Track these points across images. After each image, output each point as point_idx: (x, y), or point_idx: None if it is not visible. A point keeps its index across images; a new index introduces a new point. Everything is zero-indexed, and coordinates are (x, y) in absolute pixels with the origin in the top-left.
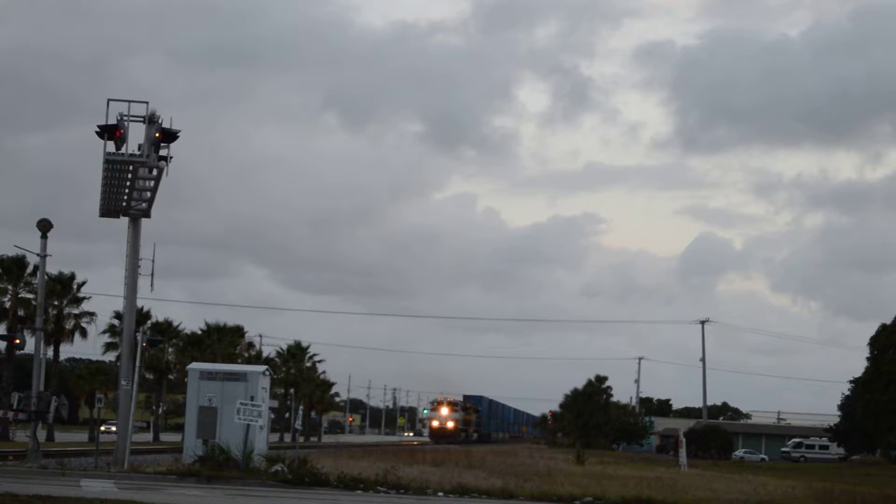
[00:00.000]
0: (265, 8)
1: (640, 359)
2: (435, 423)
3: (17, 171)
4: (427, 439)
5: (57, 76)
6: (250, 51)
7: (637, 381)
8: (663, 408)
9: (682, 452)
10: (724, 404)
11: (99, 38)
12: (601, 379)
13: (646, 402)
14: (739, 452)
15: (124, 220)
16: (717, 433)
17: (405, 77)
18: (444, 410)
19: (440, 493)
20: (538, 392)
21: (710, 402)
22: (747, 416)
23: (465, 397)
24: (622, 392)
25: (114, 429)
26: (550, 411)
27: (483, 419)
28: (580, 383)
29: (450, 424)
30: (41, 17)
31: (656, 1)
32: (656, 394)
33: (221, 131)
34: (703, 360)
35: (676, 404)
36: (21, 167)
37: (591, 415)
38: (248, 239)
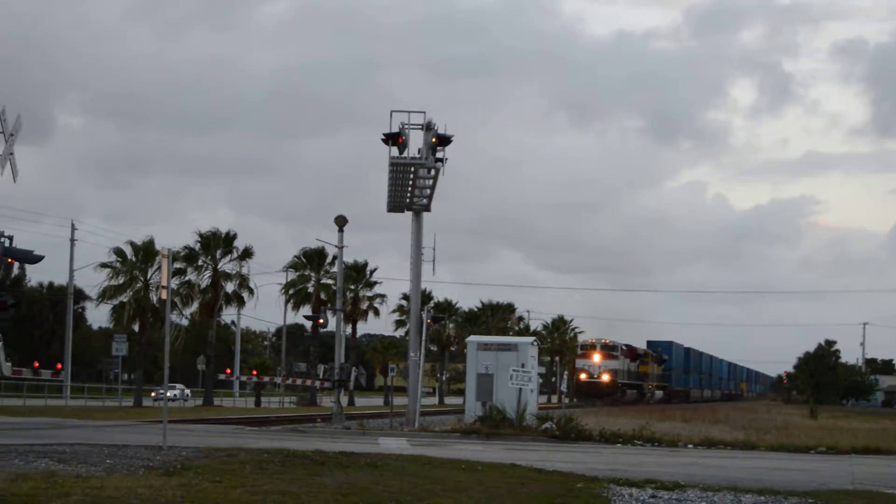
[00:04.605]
0: (503, 23)
1: (864, 324)
2: (583, 376)
3: (296, 172)
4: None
5: (326, 89)
6: (492, 61)
7: (862, 344)
8: (887, 367)
9: None
10: None
11: (360, 53)
12: (830, 343)
13: (870, 363)
14: None
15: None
16: None
17: (625, 79)
18: (596, 357)
19: (690, 446)
20: (766, 355)
21: None
22: None
23: (649, 343)
24: (847, 354)
25: (153, 395)
26: (785, 372)
27: (675, 372)
28: (805, 348)
29: (605, 377)
30: (311, 39)
31: (853, 3)
32: (879, 355)
33: (469, 134)
34: None
35: None
36: (299, 169)
37: (822, 374)
38: (502, 227)
